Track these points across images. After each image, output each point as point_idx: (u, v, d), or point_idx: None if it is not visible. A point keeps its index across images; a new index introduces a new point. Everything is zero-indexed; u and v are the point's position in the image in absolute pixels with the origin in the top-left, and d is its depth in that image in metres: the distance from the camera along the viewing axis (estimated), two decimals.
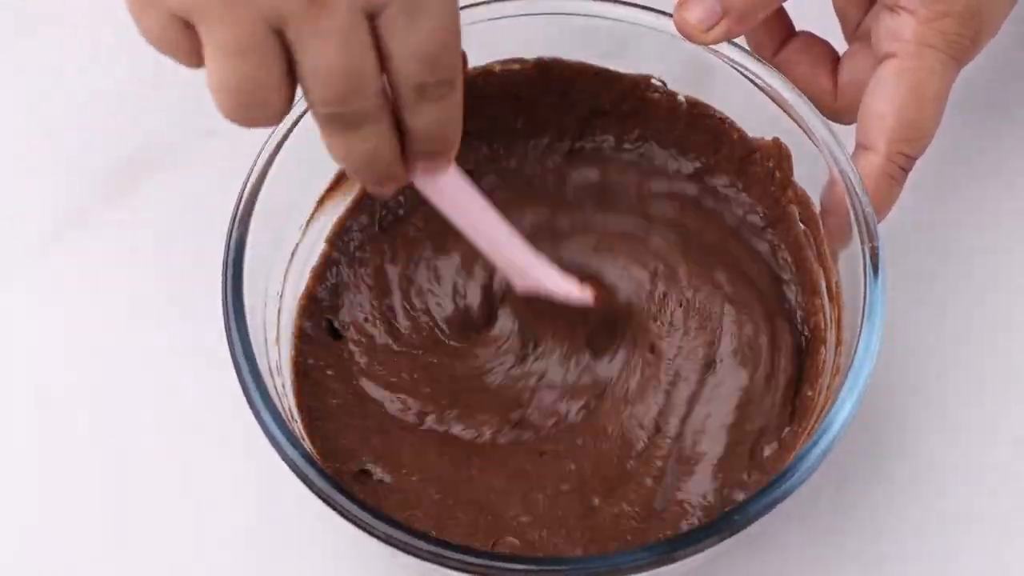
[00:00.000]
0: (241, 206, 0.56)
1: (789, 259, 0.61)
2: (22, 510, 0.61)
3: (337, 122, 0.49)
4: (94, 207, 0.67)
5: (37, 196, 0.67)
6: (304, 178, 0.60)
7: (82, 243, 0.66)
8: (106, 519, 0.61)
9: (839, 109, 0.61)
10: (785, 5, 0.61)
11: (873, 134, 0.58)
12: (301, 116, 0.57)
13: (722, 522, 0.50)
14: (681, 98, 0.62)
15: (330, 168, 0.61)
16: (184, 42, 0.48)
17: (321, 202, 0.61)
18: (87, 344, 0.64)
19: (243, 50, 0.47)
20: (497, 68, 0.62)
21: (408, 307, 0.61)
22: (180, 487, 0.61)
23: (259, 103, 0.48)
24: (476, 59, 0.61)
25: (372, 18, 0.47)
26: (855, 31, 0.62)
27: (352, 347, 0.60)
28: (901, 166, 0.58)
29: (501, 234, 0.56)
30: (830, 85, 0.61)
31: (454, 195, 0.55)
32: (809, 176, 0.59)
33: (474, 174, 0.60)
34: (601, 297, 0.59)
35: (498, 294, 0.61)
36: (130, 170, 0.67)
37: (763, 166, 0.61)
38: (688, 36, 0.58)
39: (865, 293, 0.54)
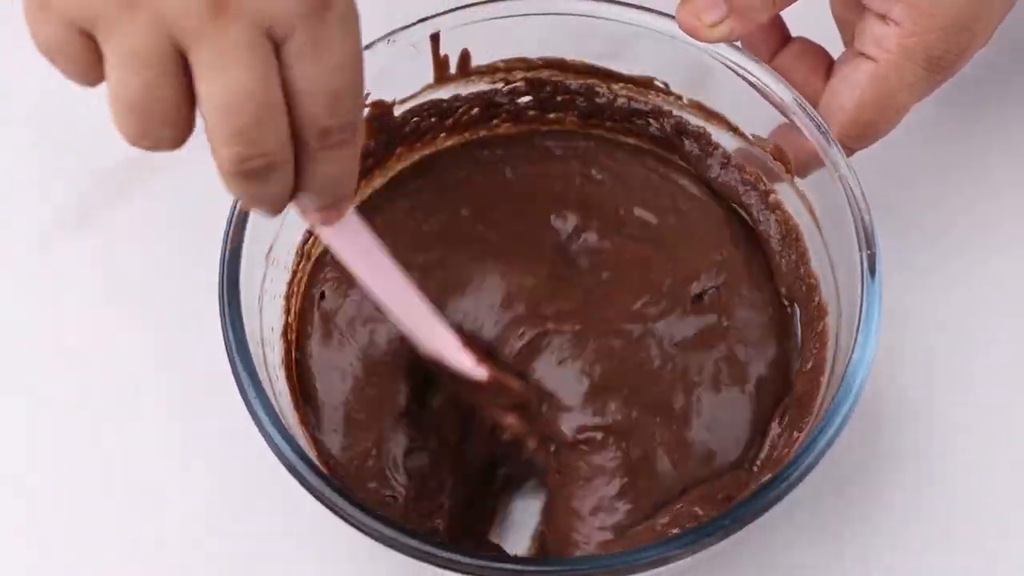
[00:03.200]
0: (238, 204, 0.56)
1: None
2: (20, 511, 0.61)
3: (242, 174, 0.45)
4: (93, 207, 0.67)
5: (37, 196, 0.67)
6: None
7: (81, 243, 0.66)
8: (101, 516, 0.61)
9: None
10: (782, 11, 0.61)
11: (827, 120, 0.58)
12: None
13: (721, 521, 0.51)
14: (685, 100, 0.62)
15: None
16: (83, 54, 0.45)
17: None
18: (86, 344, 0.64)
19: (144, 61, 0.44)
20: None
21: None
22: (178, 485, 0.61)
23: (159, 121, 0.45)
24: (476, 59, 0.61)
25: (276, 46, 0.44)
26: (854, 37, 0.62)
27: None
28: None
29: (402, 292, 0.54)
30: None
31: (353, 247, 0.52)
32: (809, 181, 0.59)
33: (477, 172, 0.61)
34: (495, 377, 0.56)
35: None
36: (129, 170, 0.67)
37: None
38: (692, 33, 0.58)
39: (862, 298, 0.55)
